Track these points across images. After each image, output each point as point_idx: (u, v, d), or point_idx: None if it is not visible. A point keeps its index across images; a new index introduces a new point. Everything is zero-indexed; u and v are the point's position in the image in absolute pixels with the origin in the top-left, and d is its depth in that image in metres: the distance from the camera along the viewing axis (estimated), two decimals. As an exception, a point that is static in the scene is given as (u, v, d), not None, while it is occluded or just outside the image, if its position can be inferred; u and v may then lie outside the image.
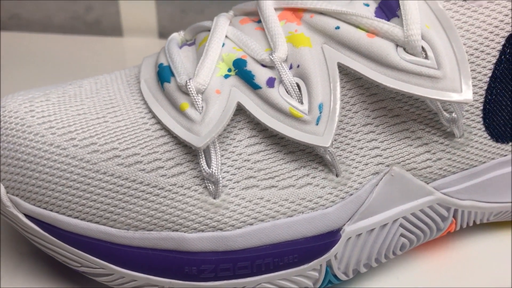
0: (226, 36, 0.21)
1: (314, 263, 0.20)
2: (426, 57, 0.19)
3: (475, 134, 0.22)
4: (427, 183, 0.22)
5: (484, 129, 0.22)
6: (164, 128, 0.20)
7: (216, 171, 0.19)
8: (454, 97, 0.19)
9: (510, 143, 0.22)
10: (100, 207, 0.19)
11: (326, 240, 0.20)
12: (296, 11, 0.21)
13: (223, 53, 0.21)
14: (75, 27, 0.43)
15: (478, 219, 0.24)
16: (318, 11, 0.20)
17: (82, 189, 0.19)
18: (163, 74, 0.21)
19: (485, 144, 0.22)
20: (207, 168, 0.19)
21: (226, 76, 0.20)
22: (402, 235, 0.22)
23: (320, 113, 0.19)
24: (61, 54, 0.42)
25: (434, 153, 0.21)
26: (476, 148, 0.22)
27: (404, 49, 0.19)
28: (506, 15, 0.20)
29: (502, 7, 0.20)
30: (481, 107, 0.21)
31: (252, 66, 0.20)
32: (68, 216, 0.19)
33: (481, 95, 0.21)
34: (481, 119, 0.21)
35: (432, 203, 0.22)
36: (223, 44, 0.21)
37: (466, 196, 0.23)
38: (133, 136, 0.20)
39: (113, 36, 0.42)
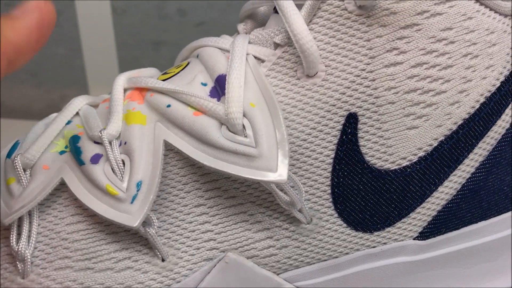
0: (78, 114, 0.21)
1: None
2: (246, 136, 0.18)
3: (326, 221, 0.20)
4: (277, 274, 0.20)
5: (337, 215, 0.20)
6: None
7: (23, 250, 0.18)
8: (268, 176, 0.18)
9: (376, 233, 0.20)
10: None
11: (144, 331, 0.19)
12: (142, 90, 0.21)
13: (66, 130, 0.21)
14: (51, 114, 0.46)
15: (352, 319, 0.21)
16: (157, 90, 0.20)
17: None
18: (10, 150, 0.21)
19: (341, 233, 0.20)
20: (15, 245, 0.18)
21: (62, 152, 0.20)
22: (244, 331, 0.20)
23: (138, 191, 0.18)
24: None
25: (277, 240, 0.20)
26: (331, 236, 0.20)
27: (228, 127, 0.19)
28: (343, 93, 0.19)
29: (337, 85, 0.19)
30: (329, 191, 0.20)
31: (83, 143, 0.20)
32: None
33: (326, 177, 0.19)
34: (331, 204, 0.20)
35: (281, 297, 0.20)
36: (70, 122, 0.21)
37: (329, 292, 0.20)
38: None
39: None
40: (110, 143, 0.19)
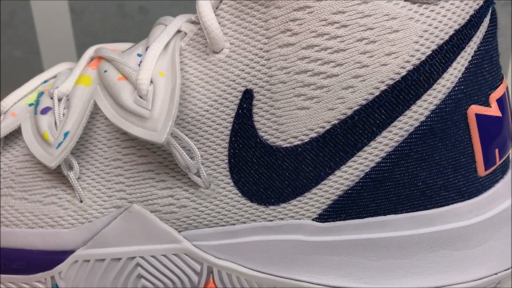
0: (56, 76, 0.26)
1: (39, 275, 0.22)
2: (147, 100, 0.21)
3: (223, 188, 0.21)
4: (179, 231, 0.22)
5: (233, 184, 0.21)
6: None
7: (-22, 175, 0.23)
8: (149, 136, 0.20)
9: (271, 207, 0.21)
10: None
11: (54, 257, 0.22)
12: (100, 59, 0.24)
13: (40, 87, 0.25)
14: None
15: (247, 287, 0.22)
16: (105, 58, 0.23)
17: None
18: None
19: (237, 201, 0.21)
20: (-25, 171, 0.23)
21: (31, 105, 0.24)
22: (141, 275, 0.22)
23: (63, 139, 0.22)
24: None
25: (178, 199, 0.21)
26: (227, 203, 0.21)
27: (138, 92, 0.21)
28: (242, 70, 0.20)
29: (238, 62, 0.20)
30: (226, 160, 0.21)
31: (43, 97, 0.24)
32: None
33: (224, 147, 0.21)
34: (228, 173, 0.21)
35: (178, 252, 0.22)
36: (47, 81, 0.25)
37: (225, 256, 0.22)
38: None
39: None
40: (59, 99, 0.23)
